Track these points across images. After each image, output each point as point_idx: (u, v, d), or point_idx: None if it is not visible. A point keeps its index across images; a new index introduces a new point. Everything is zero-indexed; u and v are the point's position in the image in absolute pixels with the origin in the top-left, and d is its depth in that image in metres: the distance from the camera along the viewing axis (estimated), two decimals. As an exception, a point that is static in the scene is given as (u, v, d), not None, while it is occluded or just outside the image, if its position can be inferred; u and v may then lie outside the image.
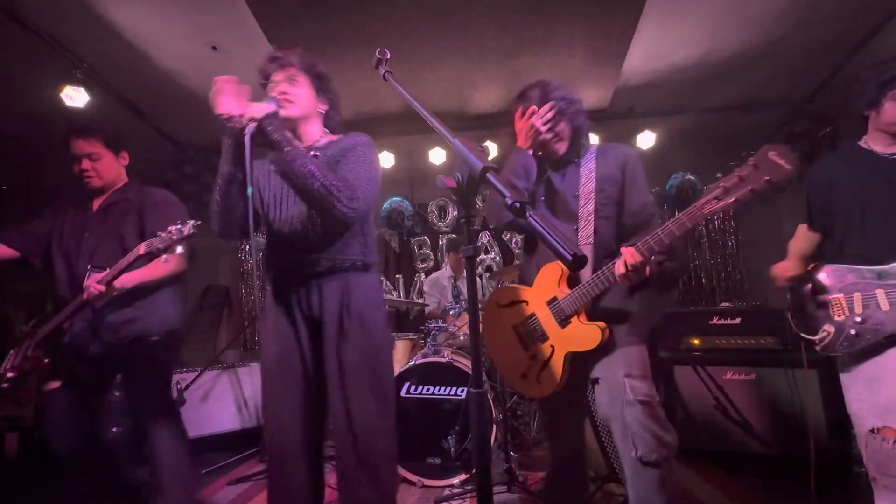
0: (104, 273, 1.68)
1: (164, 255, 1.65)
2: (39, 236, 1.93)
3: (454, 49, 3.20)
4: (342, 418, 1.30)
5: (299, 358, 1.34)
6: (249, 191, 1.13)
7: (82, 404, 1.82)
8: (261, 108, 1.20)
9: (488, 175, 0.78)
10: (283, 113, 1.32)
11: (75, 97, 3.10)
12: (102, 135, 1.90)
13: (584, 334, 1.39)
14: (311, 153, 1.33)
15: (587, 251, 1.44)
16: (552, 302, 1.46)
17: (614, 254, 1.40)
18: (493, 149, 4.14)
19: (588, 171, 1.53)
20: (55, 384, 1.82)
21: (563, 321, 1.43)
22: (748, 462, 2.48)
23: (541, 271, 1.51)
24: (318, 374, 1.36)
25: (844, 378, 1.54)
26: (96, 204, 1.95)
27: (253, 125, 1.17)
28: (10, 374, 1.82)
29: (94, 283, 1.66)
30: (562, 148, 1.54)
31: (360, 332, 1.33)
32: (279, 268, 1.42)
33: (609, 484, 2.21)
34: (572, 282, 1.46)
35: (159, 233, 1.63)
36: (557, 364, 1.44)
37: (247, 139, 1.14)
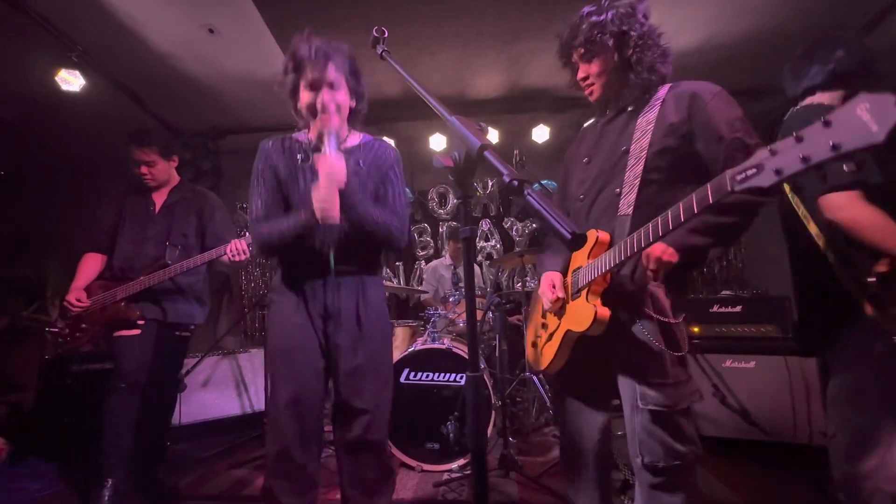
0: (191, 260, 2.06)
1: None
2: (111, 228, 2.24)
3: (452, 34, 3.15)
4: (355, 395, 1.36)
5: (311, 343, 1.37)
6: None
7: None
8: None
9: (486, 153, 0.76)
10: (326, 124, 1.32)
11: (71, 81, 3.06)
12: (157, 146, 2.21)
13: (579, 313, 1.20)
14: (354, 164, 1.38)
15: (625, 222, 1.18)
16: (576, 271, 1.28)
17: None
18: (493, 134, 4.10)
19: (646, 123, 1.21)
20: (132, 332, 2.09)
21: (574, 294, 1.25)
22: (744, 448, 2.49)
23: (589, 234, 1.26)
24: (328, 362, 1.39)
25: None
26: (156, 199, 2.28)
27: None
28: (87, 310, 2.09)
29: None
30: (595, 90, 1.31)
31: (376, 321, 1.42)
32: (299, 261, 1.39)
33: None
34: (596, 252, 1.22)
35: (234, 255, 1.99)
36: (556, 340, 1.32)
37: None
